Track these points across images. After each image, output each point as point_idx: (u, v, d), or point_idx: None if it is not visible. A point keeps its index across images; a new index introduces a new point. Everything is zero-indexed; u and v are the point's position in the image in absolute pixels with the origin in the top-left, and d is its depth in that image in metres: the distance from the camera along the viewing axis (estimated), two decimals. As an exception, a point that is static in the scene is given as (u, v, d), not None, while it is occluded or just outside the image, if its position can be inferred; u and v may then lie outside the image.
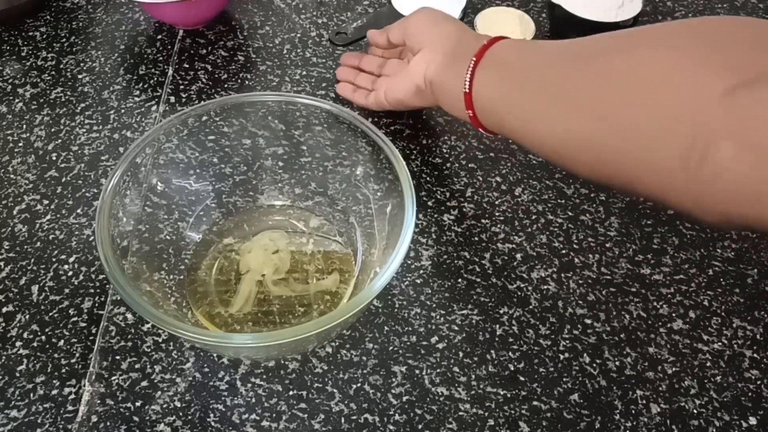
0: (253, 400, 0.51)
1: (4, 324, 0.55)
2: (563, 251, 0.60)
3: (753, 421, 0.51)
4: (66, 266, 0.58)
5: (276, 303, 0.56)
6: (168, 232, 0.57)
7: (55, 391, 0.51)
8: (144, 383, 0.51)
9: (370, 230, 0.58)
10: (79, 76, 0.75)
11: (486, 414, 0.51)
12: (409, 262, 0.59)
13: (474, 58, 0.51)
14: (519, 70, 0.48)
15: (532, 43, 0.50)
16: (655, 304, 0.57)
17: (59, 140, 0.68)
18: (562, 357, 0.54)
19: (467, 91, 0.50)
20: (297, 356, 0.53)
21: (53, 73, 0.75)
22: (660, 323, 0.56)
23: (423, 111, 0.71)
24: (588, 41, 0.45)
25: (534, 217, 0.63)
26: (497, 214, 0.63)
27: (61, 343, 0.54)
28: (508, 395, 0.52)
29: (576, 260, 0.60)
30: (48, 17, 0.81)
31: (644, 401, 0.52)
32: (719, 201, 0.35)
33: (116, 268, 0.46)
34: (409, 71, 0.59)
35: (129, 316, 0.55)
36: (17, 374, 0.52)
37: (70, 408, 0.50)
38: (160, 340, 0.54)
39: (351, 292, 0.56)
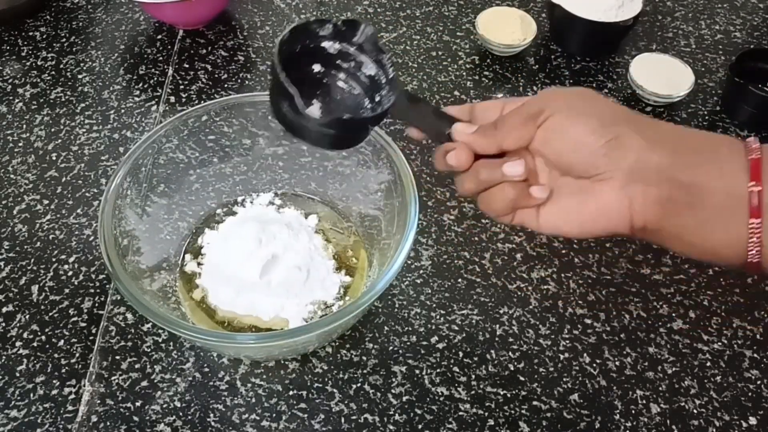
0: (253, 400, 0.51)
1: (4, 324, 0.55)
2: (563, 251, 0.60)
3: (753, 421, 0.51)
4: (66, 266, 0.58)
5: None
6: (168, 232, 0.57)
7: (55, 391, 0.51)
8: (144, 383, 0.51)
9: (370, 230, 0.58)
10: (79, 76, 0.75)
11: (486, 414, 0.51)
12: (409, 262, 0.59)
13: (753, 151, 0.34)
14: None
15: None
16: (655, 304, 0.57)
17: (59, 140, 0.68)
18: (562, 357, 0.54)
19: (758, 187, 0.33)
20: (297, 356, 0.53)
21: (53, 73, 0.75)
22: (660, 323, 0.56)
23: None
24: None
25: (534, 217, 0.63)
26: (497, 214, 0.63)
27: (61, 343, 0.54)
28: (508, 395, 0.52)
29: (576, 260, 0.60)
30: (48, 17, 0.81)
31: (644, 401, 0.52)
32: None
33: (118, 267, 0.46)
34: (600, 206, 0.38)
35: (129, 316, 0.55)
36: (17, 374, 0.52)
37: (70, 408, 0.50)
38: (160, 340, 0.54)
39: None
